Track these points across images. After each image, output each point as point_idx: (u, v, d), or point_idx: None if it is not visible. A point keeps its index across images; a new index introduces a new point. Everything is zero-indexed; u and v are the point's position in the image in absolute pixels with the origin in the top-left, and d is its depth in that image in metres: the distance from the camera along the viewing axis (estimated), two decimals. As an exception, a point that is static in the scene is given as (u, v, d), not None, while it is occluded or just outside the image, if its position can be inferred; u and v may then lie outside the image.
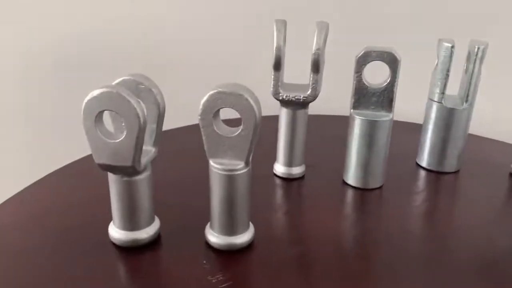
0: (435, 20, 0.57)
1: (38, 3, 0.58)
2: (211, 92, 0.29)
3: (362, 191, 0.42)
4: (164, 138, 0.47)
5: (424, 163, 0.46)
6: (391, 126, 0.40)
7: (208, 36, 0.61)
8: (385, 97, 0.39)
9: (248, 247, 0.34)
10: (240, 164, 0.31)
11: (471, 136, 0.49)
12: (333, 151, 0.47)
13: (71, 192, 0.41)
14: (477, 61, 0.41)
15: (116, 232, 0.33)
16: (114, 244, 0.33)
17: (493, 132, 0.54)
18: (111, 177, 0.31)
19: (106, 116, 0.30)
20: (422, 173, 0.46)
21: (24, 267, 0.32)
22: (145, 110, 0.29)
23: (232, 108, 0.29)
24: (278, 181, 0.44)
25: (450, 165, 0.45)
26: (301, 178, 0.44)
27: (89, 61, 0.61)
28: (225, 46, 0.61)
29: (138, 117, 0.28)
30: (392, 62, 0.38)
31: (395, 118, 0.55)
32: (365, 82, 0.39)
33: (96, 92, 0.28)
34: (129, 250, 0.33)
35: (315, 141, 0.49)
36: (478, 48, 0.41)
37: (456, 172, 0.46)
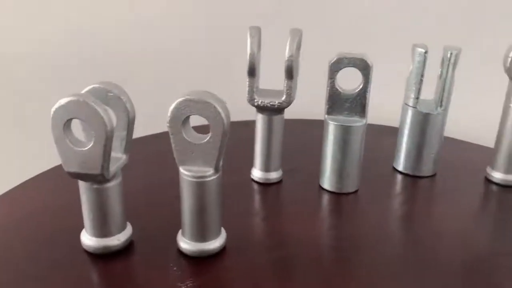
0: (412, 26, 0.57)
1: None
2: (179, 100, 0.29)
3: (337, 195, 0.43)
4: (138, 144, 0.48)
5: (400, 167, 0.47)
6: (364, 131, 0.41)
7: (188, 42, 0.61)
8: (358, 103, 0.40)
9: (221, 253, 0.34)
10: (210, 171, 0.31)
11: (448, 139, 0.50)
12: (311, 155, 0.47)
13: (47, 198, 0.41)
14: (450, 67, 0.42)
15: (87, 239, 0.33)
16: (86, 251, 0.33)
17: (469, 135, 0.55)
18: (81, 184, 0.31)
19: (78, 124, 0.30)
20: (399, 177, 0.46)
21: (-5, 275, 0.32)
22: (112, 118, 0.29)
23: (200, 115, 0.29)
24: (255, 186, 0.44)
25: (426, 169, 0.46)
26: (278, 183, 0.45)
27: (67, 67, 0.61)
28: (205, 51, 0.62)
29: (105, 125, 0.28)
30: (364, 68, 0.38)
31: (374, 122, 0.55)
32: (338, 88, 0.40)
33: (63, 101, 0.28)
34: (101, 257, 0.33)
35: (293, 146, 0.49)
36: (451, 54, 0.41)
37: (433, 176, 0.46)
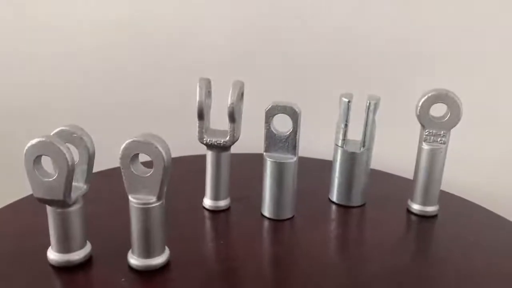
0: (348, 76, 0.67)
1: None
2: (128, 141, 0.36)
3: (276, 221, 0.49)
4: (106, 176, 0.55)
5: (334, 198, 0.54)
6: (296, 167, 0.48)
7: (156, 85, 0.70)
8: (289, 143, 0.47)
9: (166, 267, 0.40)
10: (153, 199, 0.38)
11: (377, 171, 0.58)
12: (256, 185, 0.53)
13: (23, 221, 0.48)
14: (370, 113, 0.49)
15: (52, 254, 0.40)
16: (52, 264, 0.40)
17: (395, 168, 0.63)
18: (48, 208, 0.38)
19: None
20: (332, 206, 0.53)
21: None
22: (73, 155, 0.36)
23: (144, 153, 0.37)
24: (206, 213, 0.51)
25: (355, 199, 0.53)
26: (226, 210, 0.51)
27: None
28: (168, 98, 0.70)
29: (67, 161, 0.35)
30: (293, 114, 0.46)
31: (320, 157, 0.63)
32: (273, 130, 0.47)
33: (34, 141, 0.35)
34: (63, 270, 0.40)
35: (242, 177, 0.56)
36: (370, 103, 0.49)
37: (362, 205, 0.53)
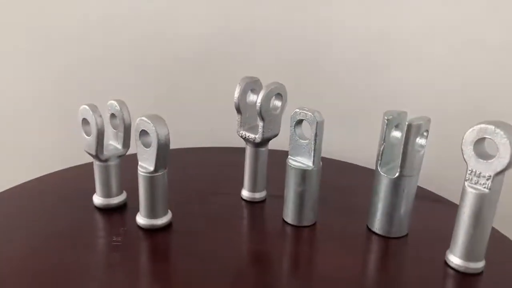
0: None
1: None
2: (138, 119, 0.44)
3: (296, 227, 0.50)
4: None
5: (369, 223, 0.49)
6: (317, 174, 0.47)
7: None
8: (309, 150, 0.46)
9: (168, 228, 0.47)
10: (151, 169, 0.45)
11: (427, 195, 0.54)
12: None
13: (79, 179, 0.56)
14: (411, 136, 0.44)
15: (96, 199, 0.51)
16: (95, 206, 0.52)
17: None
18: (94, 161, 0.50)
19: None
20: (362, 228, 0.50)
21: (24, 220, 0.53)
22: (103, 122, 0.46)
23: (146, 130, 0.44)
24: (243, 203, 0.55)
25: (394, 229, 0.47)
26: (262, 202, 0.54)
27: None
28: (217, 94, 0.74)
29: (97, 125, 0.46)
30: (312, 122, 0.45)
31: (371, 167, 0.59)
32: (296, 135, 0.47)
33: (81, 108, 0.47)
34: (103, 210, 0.51)
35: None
36: (409, 125, 0.43)
37: (401, 237, 0.48)
